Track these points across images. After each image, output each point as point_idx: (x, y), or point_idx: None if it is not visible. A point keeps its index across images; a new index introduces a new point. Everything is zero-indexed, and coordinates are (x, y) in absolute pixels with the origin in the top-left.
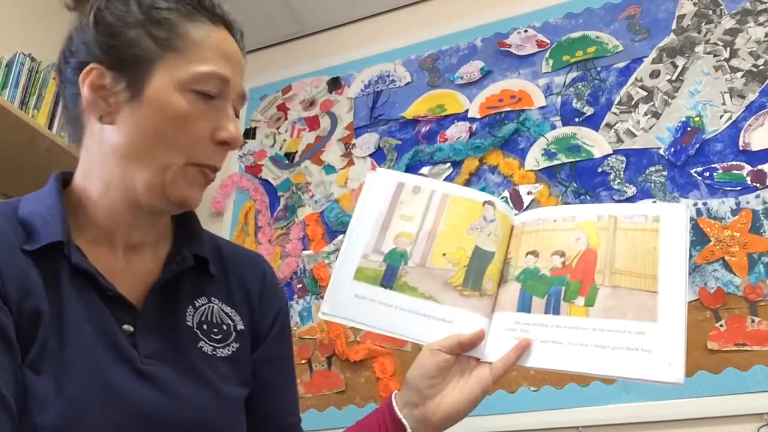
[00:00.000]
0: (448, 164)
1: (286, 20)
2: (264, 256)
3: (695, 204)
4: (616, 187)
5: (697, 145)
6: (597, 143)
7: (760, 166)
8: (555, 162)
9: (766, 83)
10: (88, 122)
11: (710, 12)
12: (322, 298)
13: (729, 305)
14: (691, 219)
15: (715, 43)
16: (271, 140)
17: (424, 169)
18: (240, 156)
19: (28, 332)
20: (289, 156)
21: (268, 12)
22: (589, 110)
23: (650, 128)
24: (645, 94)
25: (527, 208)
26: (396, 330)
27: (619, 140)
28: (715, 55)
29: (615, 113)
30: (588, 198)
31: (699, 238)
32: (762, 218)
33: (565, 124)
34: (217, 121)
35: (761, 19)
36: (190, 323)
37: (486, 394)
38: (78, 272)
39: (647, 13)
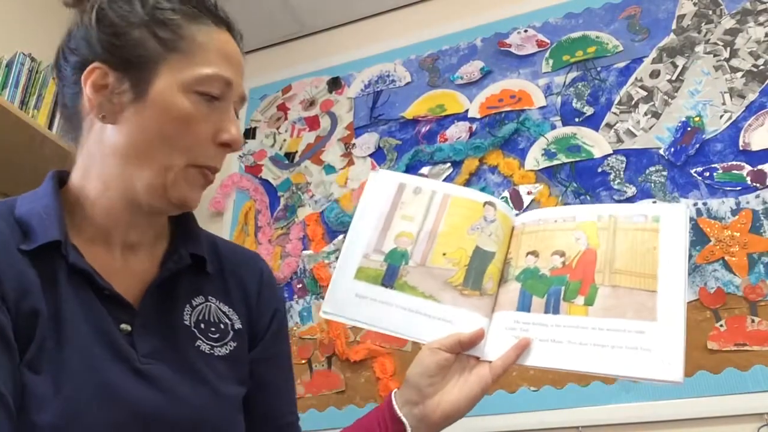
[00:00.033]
0: (448, 164)
1: (286, 20)
2: (264, 256)
3: (695, 204)
4: (616, 187)
5: (697, 145)
6: (597, 143)
7: (760, 166)
8: (555, 162)
9: (766, 83)
10: (88, 121)
11: (710, 12)
12: (322, 298)
13: (729, 305)
14: (691, 219)
15: (715, 43)
16: (271, 140)
17: (424, 169)
18: (240, 156)
19: (25, 332)
20: (289, 156)
21: (268, 12)
22: (589, 110)
23: (650, 128)
24: (645, 94)
25: (527, 208)
26: (396, 329)
27: (619, 140)
28: (715, 55)
29: (615, 113)
30: (588, 198)
31: (699, 238)
32: (762, 218)
33: (565, 124)
34: (219, 122)
35: (761, 19)
36: (187, 322)
37: (486, 393)
38: (75, 271)
39: (647, 13)
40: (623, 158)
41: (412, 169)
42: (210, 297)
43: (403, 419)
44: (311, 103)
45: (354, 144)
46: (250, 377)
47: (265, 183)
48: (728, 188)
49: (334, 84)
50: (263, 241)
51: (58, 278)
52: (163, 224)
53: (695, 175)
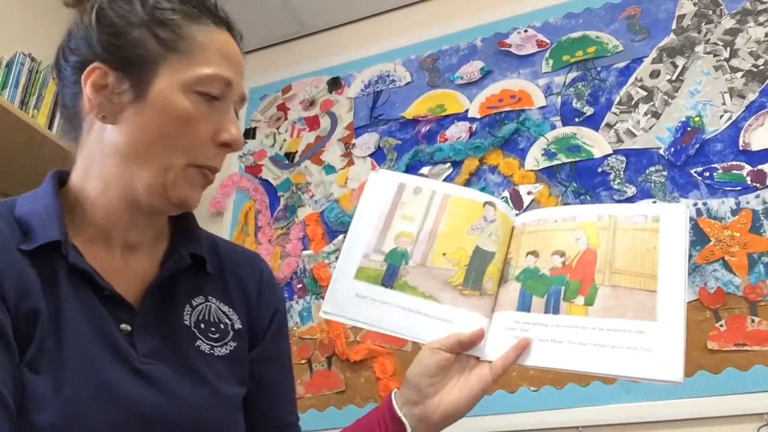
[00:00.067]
0: (448, 164)
1: (286, 20)
2: (264, 256)
3: (695, 204)
4: (616, 187)
5: (697, 145)
6: (597, 143)
7: (760, 166)
8: (555, 162)
9: (766, 83)
10: (88, 121)
11: (710, 12)
12: (322, 298)
13: (729, 305)
14: (691, 219)
15: (715, 43)
16: (271, 140)
17: (424, 169)
18: (240, 156)
19: (25, 332)
20: (289, 156)
21: (268, 12)
22: (589, 110)
23: (650, 128)
24: (645, 94)
25: (527, 208)
26: (396, 329)
27: (619, 140)
28: (715, 55)
29: (615, 113)
30: (588, 198)
31: (699, 238)
32: (762, 218)
33: (565, 124)
34: (219, 122)
35: (761, 19)
36: (187, 322)
37: (486, 393)
38: (75, 271)
39: (647, 13)
40: (623, 158)
41: (412, 169)
42: (210, 297)
43: (403, 419)
44: (311, 103)
45: (354, 144)
46: (250, 377)
47: (265, 183)
48: (728, 188)
49: (334, 84)
50: (263, 241)
51: (58, 278)
52: (163, 224)
53: (695, 175)
